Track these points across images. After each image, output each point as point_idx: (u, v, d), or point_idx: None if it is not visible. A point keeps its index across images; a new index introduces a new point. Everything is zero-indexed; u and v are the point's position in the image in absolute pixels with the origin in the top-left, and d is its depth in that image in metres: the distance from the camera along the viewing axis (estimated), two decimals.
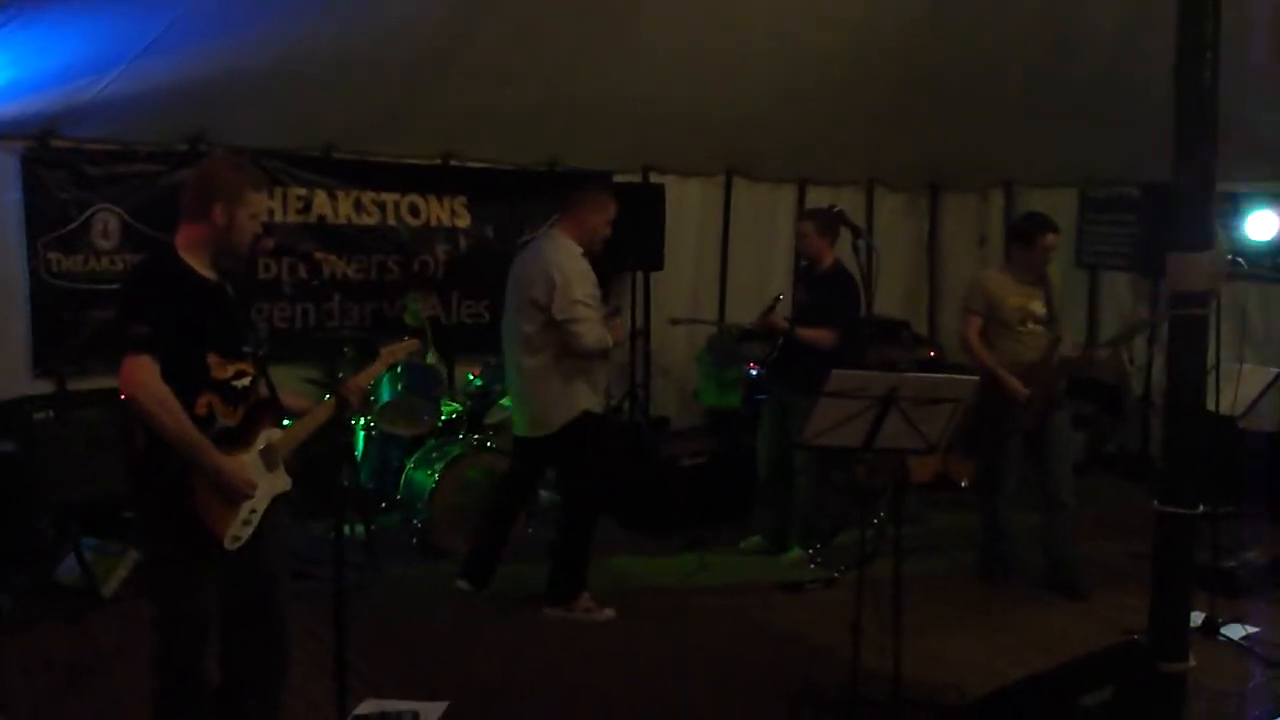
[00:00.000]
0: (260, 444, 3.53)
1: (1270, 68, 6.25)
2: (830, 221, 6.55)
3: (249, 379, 3.53)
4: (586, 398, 5.54)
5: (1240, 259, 5.68)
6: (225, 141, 6.90)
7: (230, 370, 3.45)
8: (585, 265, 5.52)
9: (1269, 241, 7.28)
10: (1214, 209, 4.04)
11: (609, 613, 5.64)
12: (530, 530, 6.67)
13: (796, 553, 6.59)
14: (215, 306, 3.47)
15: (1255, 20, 5.82)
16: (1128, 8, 6.51)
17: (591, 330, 5.41)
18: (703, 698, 4.80)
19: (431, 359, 7.09)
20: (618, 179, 8.55)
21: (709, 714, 4.68)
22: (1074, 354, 6.22)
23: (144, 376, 3.23)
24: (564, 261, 5.44)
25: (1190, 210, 3.93)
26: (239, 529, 3.42)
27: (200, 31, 5.63)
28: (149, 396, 3.23)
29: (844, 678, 4.34)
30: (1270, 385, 6.48)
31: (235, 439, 3.45)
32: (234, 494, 3.39)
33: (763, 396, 7.15)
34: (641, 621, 5.64)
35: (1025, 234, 6.15)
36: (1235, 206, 7.59)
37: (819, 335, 6.36)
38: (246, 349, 3.54)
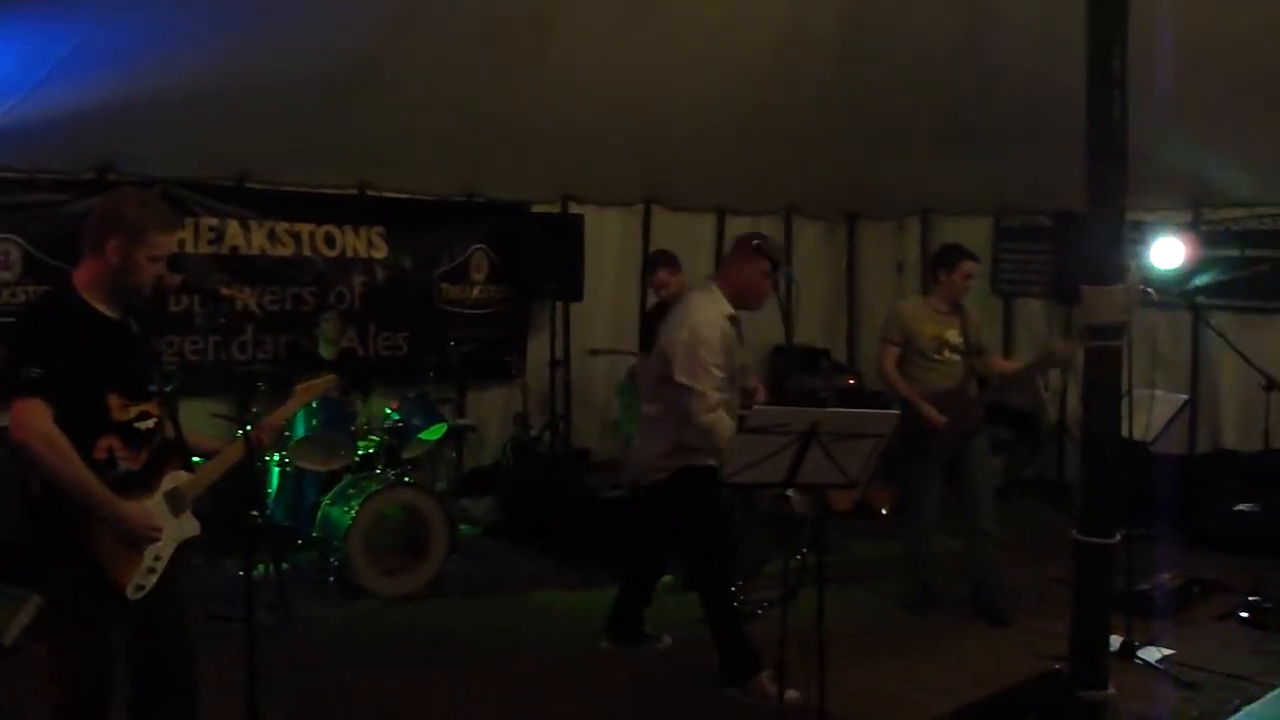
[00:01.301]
0: (165, 487, 3.40)
1: (1174, 100, 6.41)
2: (673, 255, 6.74)
3: (153, 420, 3.40)
4: (684, 455, 5.02)
5: (1150, 288, 5.80)
6: (135, 170, 6.76)
7: (132, 412, 3.32)
8: (724, 330, 4.96)
9: (1175, 269, 7.44)
10: (1125, 242, 4.11)
11: (793, 694, 4.52)
12: (449, 566, 6.56)
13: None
14: (116, 345, 3.33)
15: (1158, 53, 5.98)
16: (1040, 42, 6.64)
17: (707, 416, 4.80)
18: None
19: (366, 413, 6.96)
20: (536, 209, 8.55)
21: None
22: (1008, 367, 6.32)
23: (34, 421, 3.09)
24: (701, 321, 4.92)
25: (1102, 244, 3.99)
26: (143, 577, 3.29)
27: (107, 57, 5.50)
28: (40, 441, 3.09)
29: (769, 714, 4.31)
30: (1180, 410, 6.61)
31: (138, 483, 3.32)
32: (136, 540, 3.26)
33: None
34: (564, 659, 5.55)
35: (947, 260, 6.27)
36: (1142, 235, 7.76)
37: None
38: (151, 389, 3.41)
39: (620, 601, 5.66)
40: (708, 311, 4.97)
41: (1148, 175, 6.14)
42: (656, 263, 6.84)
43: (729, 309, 5.00)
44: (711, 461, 4.93)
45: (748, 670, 4.99)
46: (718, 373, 4.84)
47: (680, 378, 4.82)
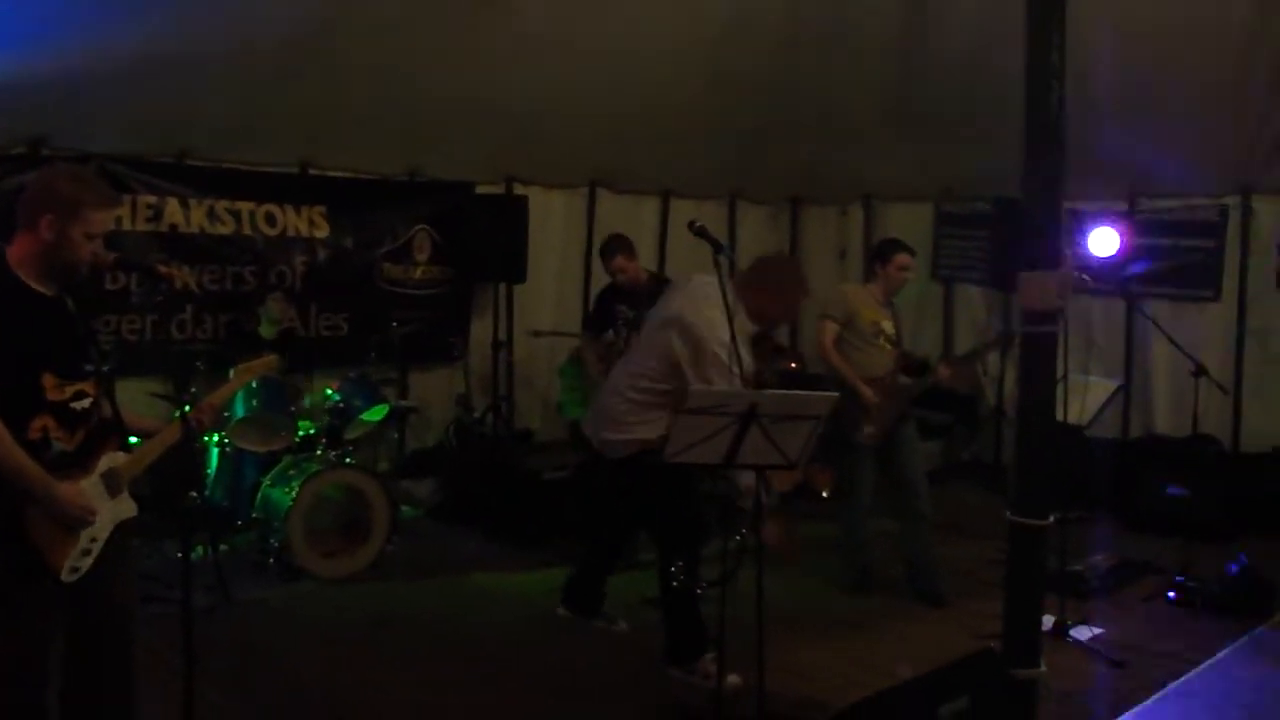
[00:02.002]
0: (102, 468, 3.35)
1: (1109, 92, 6.52)
2: (627, 241, 6.79)
3: (89, 400, 3.34)
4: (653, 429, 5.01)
5: (1086, 275, 5.90)
6: (70, 145, 6.63)
7: (68, 391, 3.26)
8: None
9: (1111, 257, 7.59)
10: (1062, 229, 4.17)
11: (734, 679, 4.58)
12: (391, 547, 6.54)
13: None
14: (51, 323, 3.27)
15: (1097, 46, 6.07)
16: (980, 30, 6.71)
17: None
18: (570, 716, 4.75)
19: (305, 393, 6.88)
20: (480, 190, 8.51)
21: None
22: (911, 381, 6.35)
23: None
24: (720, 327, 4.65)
25: (1039, 231, 4.05)
26: (78, 559, 3.24)
27: (41, 28, 5.37)
28: None
29: (709, 694, 4.35)
30: (1114, 395, 6.75)
31: (74, 464, 3.27)
32: (72, 522, 3.21)
33: None
34: (506, 641, 5.57)
35: (882, 253, 6.42)
36: (1079, 224, 7.90)
37: None
38: (88, 368, 3.35)
39: (580, 573, 5.69)
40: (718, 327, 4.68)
41: (1085, 165, 6.26)
42: (615, 248, 6.83)
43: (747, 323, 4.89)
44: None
45: (695, 651, 5.02)
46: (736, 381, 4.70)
47: (712, 378, 4.70)
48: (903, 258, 6.34)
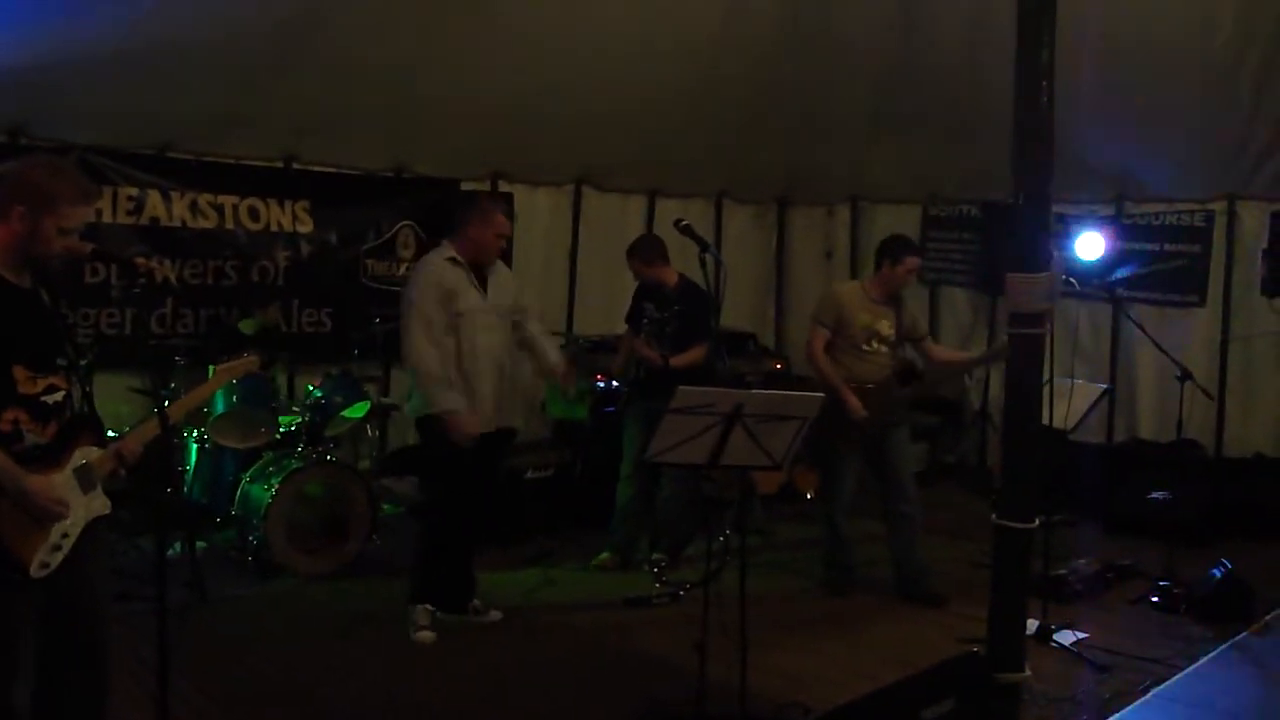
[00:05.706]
0: (75, 463, 3.28)
1: (1097, 96, 6.52)
2: (652, 244, 6.68)
3: (62, 394, 3.28)
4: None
5: (1072, 279, 5.88)
6: (50, 136, 6.56)
7: (40, 385, 3.20)
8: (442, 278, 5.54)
9: (1097, 261, 7.59)
10: (1051, 231, 4.16)
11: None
12: (370, 545, 6.49)
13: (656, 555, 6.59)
14: (24, 315, 3.21)
15: (1084, 51, 6.07)
16: (968, 32, 6.70)
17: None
18: (548, 717, 4.72)
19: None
20: (465, 186, 8.45)
21: None
22: (905, 390, 6.31)
23: None
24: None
25: (1028, 233, 4.04)
26: (48, 554, 3.17)
27: (21, 14, 5.31)
28: None
29: (691, 694, 4.31)
30: (1099, 400, 6.73)
31: (46, 457, 3.20)
32: (42, 515, 3.14)
33: (611, 409, 7.10)
34: (487, 639, 5.52)
35: (893, 252, 6.25)
36: (1065, 228, 7.89)
37: (693, 356, 6.36)
38: (60, 362, 3.29)
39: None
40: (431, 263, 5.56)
41: (1072, 168, 6.26)
42: (631, 252, 6.67)
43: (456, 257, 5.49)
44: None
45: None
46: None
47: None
48: (913, 260, 6.23)
